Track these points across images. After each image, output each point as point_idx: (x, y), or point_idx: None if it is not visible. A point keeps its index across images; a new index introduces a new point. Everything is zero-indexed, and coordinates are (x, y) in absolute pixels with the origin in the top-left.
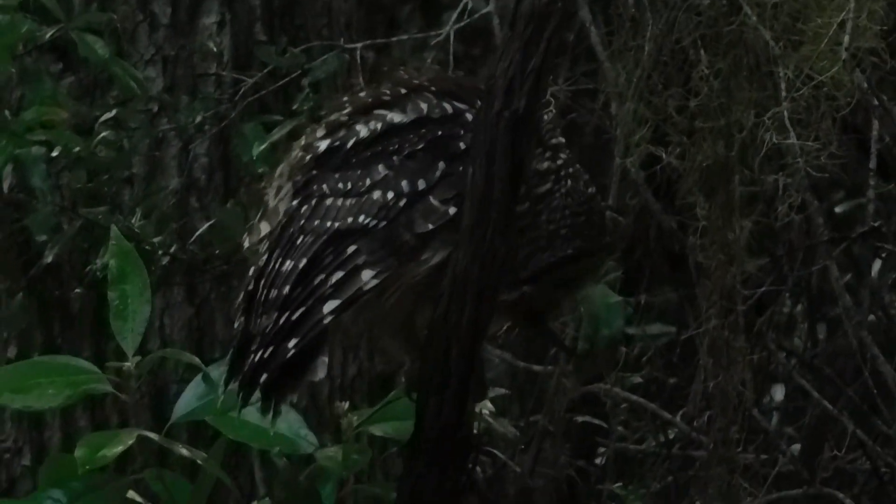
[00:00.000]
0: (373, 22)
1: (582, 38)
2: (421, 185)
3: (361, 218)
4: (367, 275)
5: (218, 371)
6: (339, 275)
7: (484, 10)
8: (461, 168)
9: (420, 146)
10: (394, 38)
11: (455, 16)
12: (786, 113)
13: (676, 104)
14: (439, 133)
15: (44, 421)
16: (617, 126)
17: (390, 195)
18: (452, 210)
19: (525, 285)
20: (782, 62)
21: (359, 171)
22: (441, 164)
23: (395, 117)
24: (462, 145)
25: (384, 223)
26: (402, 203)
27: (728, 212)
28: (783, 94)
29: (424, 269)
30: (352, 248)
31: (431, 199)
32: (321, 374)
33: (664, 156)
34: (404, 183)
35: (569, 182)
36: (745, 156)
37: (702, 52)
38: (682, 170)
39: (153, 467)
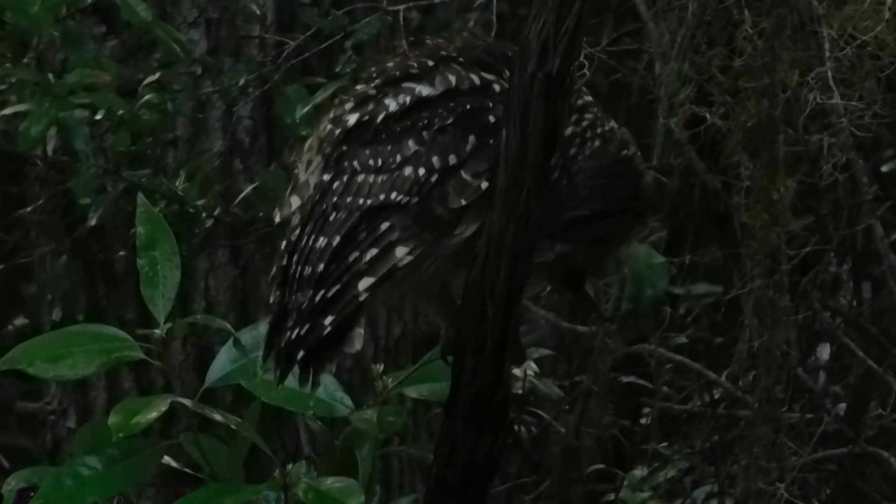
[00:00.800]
0: None
1: None
2: (452, 159)
3: (394, 195)
4: (401, 251)
5: (251, 334)
6: (373, 252)
7: None
8: (492, 141)
9: (450, 120)
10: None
11: None
12: (830, 72)
13: (720, 64)
14: (468, 106)
15: (89, 383)
16: (661, 86)
17: (422, 171)
18: (485, 185)
19: (556, 244)
20: (826, 22)
21: (389, 147)
22: (472, 138)
23: (424, 90)
24: (492, 118)
25: (416, 199)
26: (433, 178)
27: (772, 171)
28: (827, 53)
29: (458, 241)
30: (385, 225)
31: (463, 173)
32: (357, 345)
33: (708, 116)
34: (435, 158)
35: (595, 143)
36: (790, 115)
37: (745, 11)
38: (727, 130)
39: (191, 431)
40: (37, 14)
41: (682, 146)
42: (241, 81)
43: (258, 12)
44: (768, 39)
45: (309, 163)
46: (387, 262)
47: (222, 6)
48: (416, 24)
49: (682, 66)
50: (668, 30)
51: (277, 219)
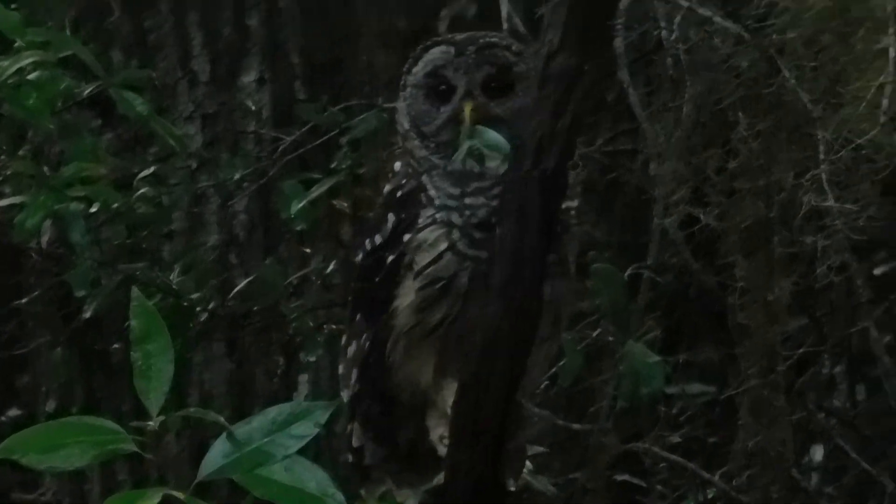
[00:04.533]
0: None
1: (621, 99)
2: (378, 240)
3: (354, 283)
4: (364, 338)
5: (245, 428)
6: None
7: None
8: (403, 215)
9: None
10: None
11: None
12: (825, 175)
13: (716, 165)
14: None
15: (83, 475)
16: (656, 186)
17: (359, 256)
18: (391, 257)
19: None
20: (821, 124)
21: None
22: (391, 216)
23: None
24: (399, 193)
25: (362, 284)
26: (368, 262)
27: (768, 272)
28: (822, 156)
29: (403, 313)
30: (358, 316)
31: (386, 252)
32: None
33: (703, 216)
34: (367, 241)
35: None
36: (785, 217)
37: (741, 113)
38: (722, 230)
39: None
40: (34, 106)
41: (678, 246)
42: (237, 176)
43: (254, 107)
44: (764, 141)
45: None
46: (357, 353)
47: (219, 101)
48: None
49: (678, 166)
50: (663, 130)
51: None
